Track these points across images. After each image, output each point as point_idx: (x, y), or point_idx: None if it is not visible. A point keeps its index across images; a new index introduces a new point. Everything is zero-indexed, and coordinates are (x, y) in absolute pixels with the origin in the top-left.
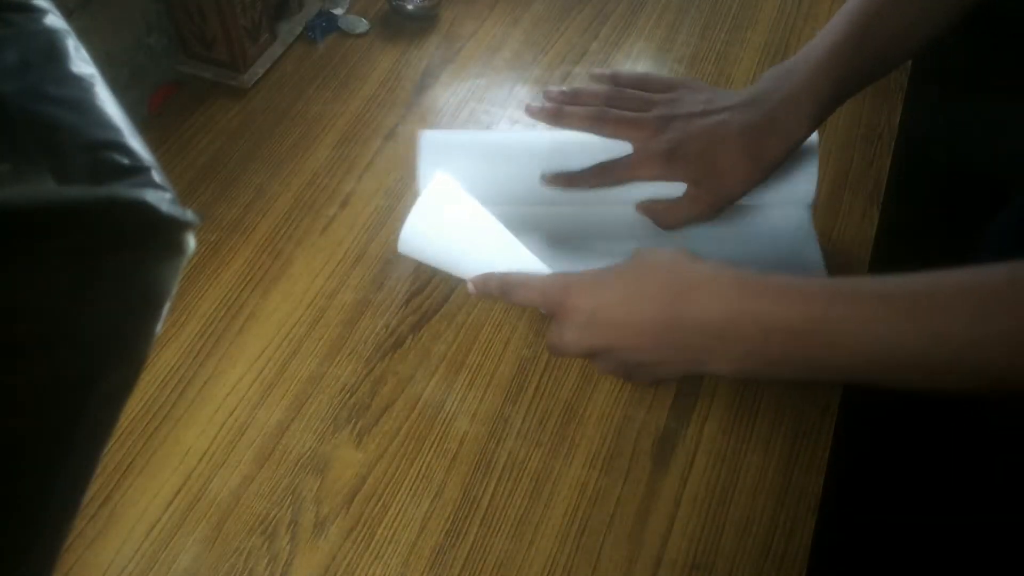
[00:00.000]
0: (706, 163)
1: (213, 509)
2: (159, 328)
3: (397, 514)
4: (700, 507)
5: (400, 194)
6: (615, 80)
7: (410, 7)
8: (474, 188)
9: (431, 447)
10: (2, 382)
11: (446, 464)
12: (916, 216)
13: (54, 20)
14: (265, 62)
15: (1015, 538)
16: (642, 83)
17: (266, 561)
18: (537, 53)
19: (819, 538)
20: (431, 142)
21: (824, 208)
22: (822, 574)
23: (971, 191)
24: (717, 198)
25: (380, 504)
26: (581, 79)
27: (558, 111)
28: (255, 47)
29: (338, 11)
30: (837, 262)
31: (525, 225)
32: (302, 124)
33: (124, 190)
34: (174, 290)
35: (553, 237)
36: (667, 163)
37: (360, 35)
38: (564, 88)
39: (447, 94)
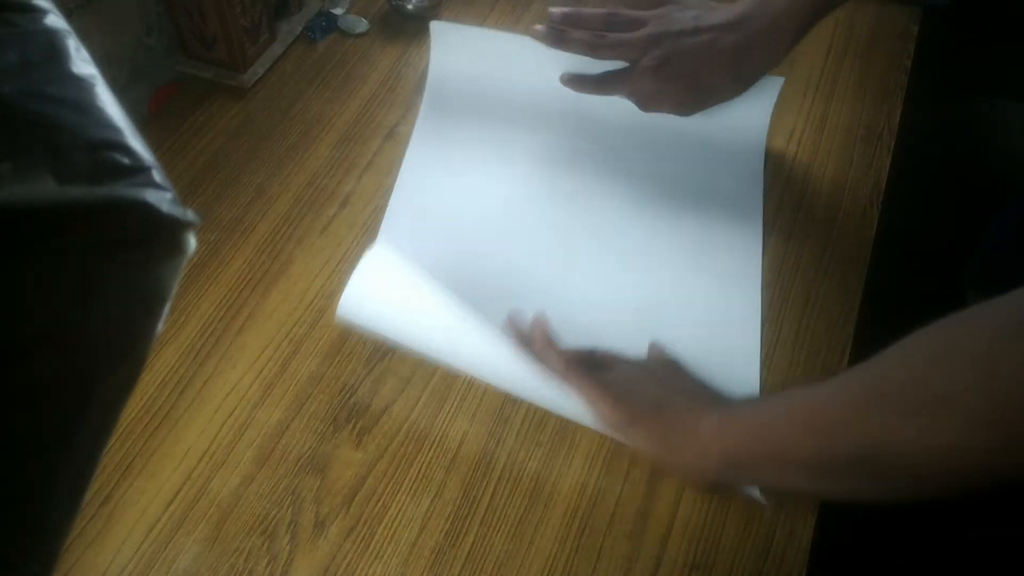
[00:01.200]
0: (693, 79)
1: (213, 509)
2: (159, 328)
3: (397, 514)
4: (700, 507)
5: None
6: (608, 15)
7: (410, 7)
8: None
9: (431, 447)
10: (3, 381)
11: (446, 464)
12: (916, 216)
13: (55, 20)
14: (265, 62)
15: (1015, 538)
16: (633, 1)
17: (266, 561)
18: None
19: (819, 538)
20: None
21: (824, 208)
22: (822, 574)
23: (971, 191)
24: (696, 104)
25: (380, 504)
26: None
27: (559, 35)
28: (255, 47)
29: (338, 11)
30: (838, 262)
31: (471, 275)
32: (302, 124)
33: (125, 190)
34: (174, 290)
35: (499, 285)
36: (656, 78)
37: (360, 35)
38: (566, 9)
39: None
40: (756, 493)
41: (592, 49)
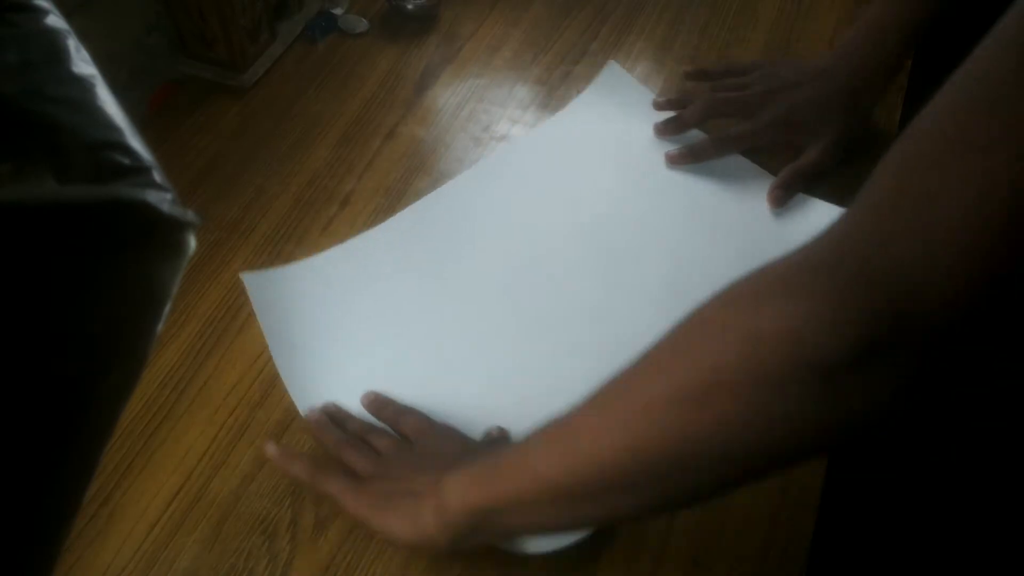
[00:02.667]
0: (815, 125)
1: (213, 509)
2: (160, 328)
3: None
4: (700, 507)
5: (400, 193)
6: (707, 74)
7: (410, 7)
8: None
9: None
10: (4, 381)
11: None
12: None
13: (55, 20)
14: (265, 62)
15: (1015, 539)
16: (728, 70)
17: (266, 561)
18: (537, 53)
19: (819, 538)
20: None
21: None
22: (822, 574)
23: None
24: (833, 149)
25: None
26: (581, 79)
27: (677, 118)
28: (255, 47)
29: (338, 11)
30: None
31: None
32: (302, 124)
33: (125, 190)
34: (175, 290)
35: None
36: (785, 128)
37: (360, 35)
38: (670, 98)
39: (447, 94)
40: (509, 546)
41: (711, 112)
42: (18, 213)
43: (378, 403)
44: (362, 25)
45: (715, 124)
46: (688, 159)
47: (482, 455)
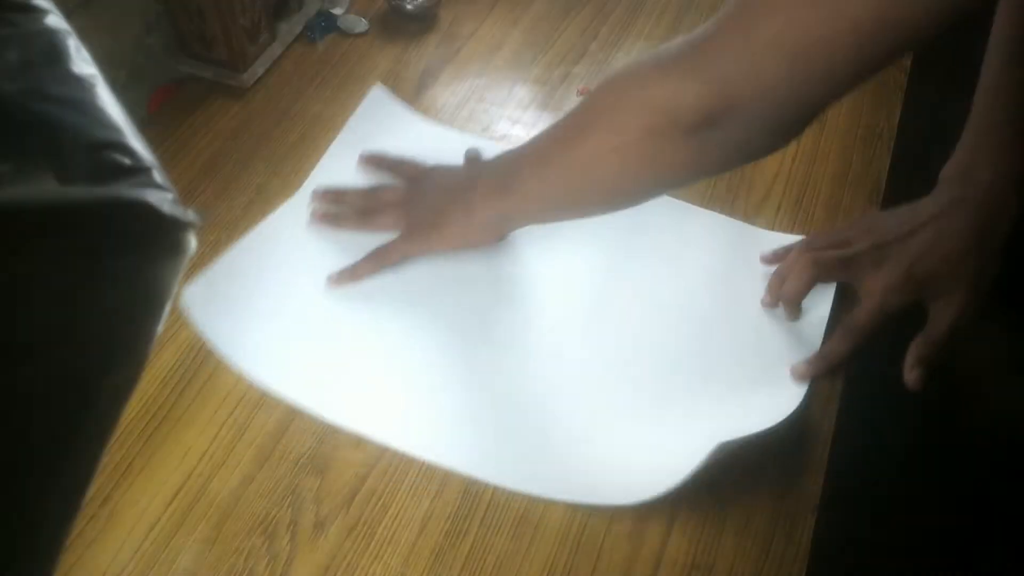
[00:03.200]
0: (945, 274)
1: (213, 509)
2: (160, 327)
3: (397, 514)
4: (700, 507)
5: None
6: (810, 243)
7: (409, 7)
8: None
9: None
10: (4, 381)
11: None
12: None
13: (55, 20)
14: (265, 62)
15: (1015, 539)
16: (822, 235)
17: (266, 561)
18: (537, 53)
19: (819, 538)
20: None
21: (824, 208)
22: (822, 574)
23: None
24: (968, 305)
25: (380, 504)
26: (581, 79)
27: (787, 302)
28: (254, 47)
29: (337, 11)
30: None
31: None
32: (302, 124)
33: (125, 190)
34: (175, 290)
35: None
36: (910, 286)
37: (359, 35)
38: (776, 265)
39: (446, 94)
40: None
41: (821, 273)
42: (19, 213)
43: (376, 157)
44: (362, 25)
45: None
46: (821, 366)
47: (486, 177)
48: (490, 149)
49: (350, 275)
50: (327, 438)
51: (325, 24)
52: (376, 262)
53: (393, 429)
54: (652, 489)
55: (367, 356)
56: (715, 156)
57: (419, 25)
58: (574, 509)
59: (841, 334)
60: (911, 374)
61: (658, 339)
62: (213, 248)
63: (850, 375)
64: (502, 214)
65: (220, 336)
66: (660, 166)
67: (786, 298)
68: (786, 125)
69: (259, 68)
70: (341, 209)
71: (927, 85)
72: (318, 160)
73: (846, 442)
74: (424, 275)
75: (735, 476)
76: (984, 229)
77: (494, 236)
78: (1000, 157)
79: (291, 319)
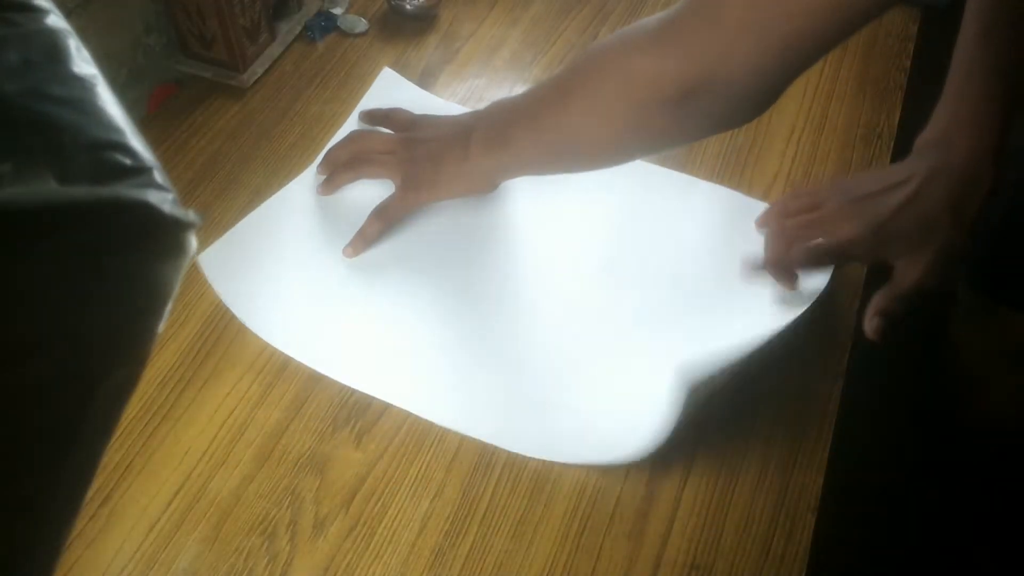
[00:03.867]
0: (915, 235)
1: (213, 509)
2: (161, 328)
3: (397, 514)
4: (700, 507)
5: None
6: (783, 208)
7: (409, 7)
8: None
9: (430, 447)
10: (4, 381)
11: (446, 464)
12: None
13: (55, 20)
14: (264, 62)
15: (1014, 538)
16: (796, 195)
17: (266, 561)
18: (536, 53)
19: (819, 538)
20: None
21: None
22: (822, 574)
23: None
24: (937, 265)
25: (380, 504)
26: None
27: (769, 258)
28: (254, 47)
29: (337, 11)
30: None
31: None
32: (301, 124)
33: (126, 191)
34: (176, 290)
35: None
36: (878, 240)
37: (359, 35)
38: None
39: (446, 94)
40: None
41: (790, 242)
42: (19, 213)
43: (370, 111)
44: (361, 25)
45: None
46: (782, 279)
47: (481, 129)
48: None
49: (361, 240)
50: (327, 438)
51: (325, 24)
52: (382, 221)
53: (403, 391)
54: (647, 435)
55: (378, 321)
56: (694, 125)
57: (419, 25)
58: (574, 509)
59: (798, 263)
60: (870, 323)
61: (657, 299)
62: None
63: (849, 375)
64: (497, 164)
65: (237, 299)
66: (643, 133)
67: (766, 270)
68: (761, 97)
69: (259, 68)
70: (333, 169)
71: (927, 85)
72: (314, 155)
73: (846, 442)
74: (431, 236)
75: (735, 476)
76: (961, 198)
77: (489, 185)
78: (977, 129)
79: (304, 283)
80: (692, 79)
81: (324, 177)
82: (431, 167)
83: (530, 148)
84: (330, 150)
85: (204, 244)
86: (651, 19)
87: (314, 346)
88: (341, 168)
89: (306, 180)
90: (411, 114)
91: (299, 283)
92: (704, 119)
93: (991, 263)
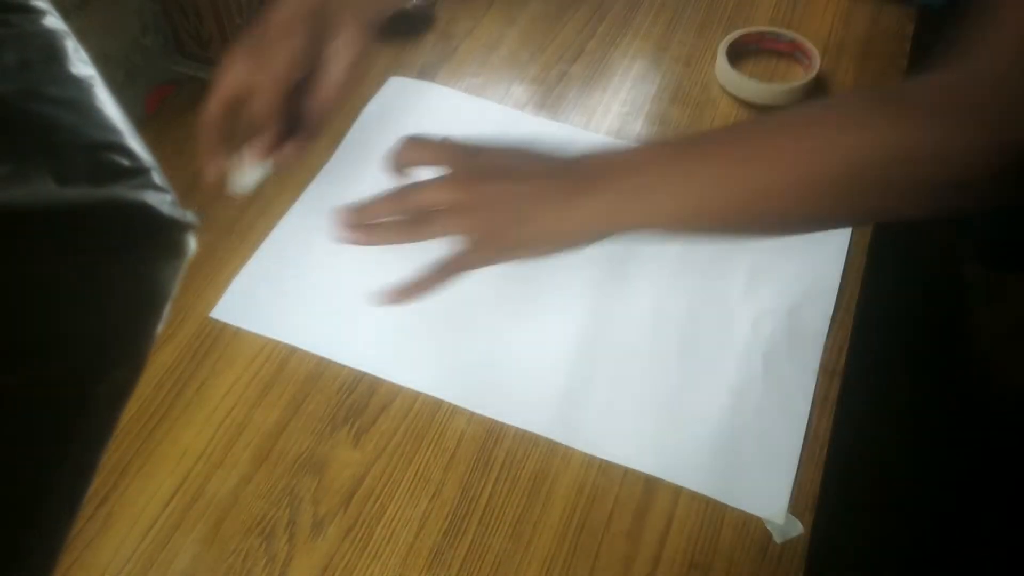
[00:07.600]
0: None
1: (211, 509)
2: (159, 329)
3: (395, 514)
4: (698, 506)
5: None
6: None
7: (406, 6)
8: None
9: (429, 447)
10: (4, 382)
11: (444, 463)
12: None
13: (53, 21)
14: None
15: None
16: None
17: (264, 561)
18: (534, 52)
19: (817, 538)
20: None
21: None
22: (821, 574)
23: None
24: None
25: (378, 504)
26: (578, 78)
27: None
28: None
29: None
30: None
31: None
32: None
33: (125, 192)
34: (175, 291)
35: None
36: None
37: None
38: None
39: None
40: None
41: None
42: (17, 215)
43: (410, 146)
44: None
45: None
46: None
47: (592, 175)
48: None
49: (416, 291)
50: (325, 438)
51: None
52: (448, 275)
53: (430, 383)
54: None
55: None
56: (981, 199)
57: (416, 24)
58: (572, 509)
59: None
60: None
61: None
62: (210, 249)
63: (848, 376)
64: (615, 220)
65: (271, 327)
66: (902, 208)
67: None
68: None
69: None
70: (377, 224)
71: None
72: (318, 158)
73: (845, 440)
74: None
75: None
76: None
77: (585, 244)
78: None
79: (331, 297)
80: (1011, 152)
81: (348, 224)
82: (518, 222)
83: (697, 191)
84: (366, 207)
85: (202, 244)
86: (915, 80)
87: (355, 351)
88: (383, 230)
89: (306, 202)
90: (466, 146)
91: (324, 297)
92: (999, 196)
93: (992, 242)
